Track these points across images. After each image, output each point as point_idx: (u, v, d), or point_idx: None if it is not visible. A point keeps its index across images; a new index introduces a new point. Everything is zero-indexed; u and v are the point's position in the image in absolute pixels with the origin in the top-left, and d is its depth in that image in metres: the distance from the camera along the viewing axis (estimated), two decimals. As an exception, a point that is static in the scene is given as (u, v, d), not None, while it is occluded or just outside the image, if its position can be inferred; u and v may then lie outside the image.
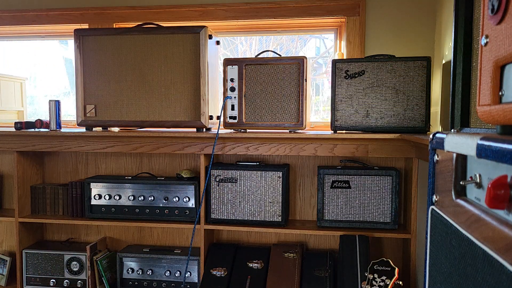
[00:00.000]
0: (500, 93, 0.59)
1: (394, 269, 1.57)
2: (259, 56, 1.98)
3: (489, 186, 0.50)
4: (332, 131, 1.88)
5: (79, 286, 2.17)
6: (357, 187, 1.91)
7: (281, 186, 1.95)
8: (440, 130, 1.42)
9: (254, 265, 2.02)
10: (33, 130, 2.10)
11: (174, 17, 2.25)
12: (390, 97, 1.80)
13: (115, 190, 2.10)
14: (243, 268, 2.02)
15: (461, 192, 0.69)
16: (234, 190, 1.99)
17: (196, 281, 2.07)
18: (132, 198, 2.08)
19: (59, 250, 2.20)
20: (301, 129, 1.88)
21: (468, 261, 0.61)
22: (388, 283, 1.54)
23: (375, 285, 1.55)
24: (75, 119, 2.07)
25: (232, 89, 1.91)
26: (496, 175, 0.54)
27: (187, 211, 2.05)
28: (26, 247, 2.24)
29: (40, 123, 2.13)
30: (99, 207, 2.11)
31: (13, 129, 2.08)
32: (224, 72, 1.92)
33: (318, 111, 2.52)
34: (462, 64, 0.99)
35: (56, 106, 2.09)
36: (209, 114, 1.96)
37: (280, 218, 1.96)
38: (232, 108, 1.92)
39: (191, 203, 2.04)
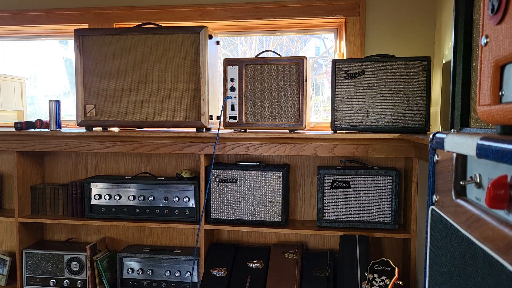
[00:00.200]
0: (500, 93, 0.59)
1: (394, 269, 1.57)
2: (259, 56, 1.98)
3: (489, 186, 0.50)
4: (332, 131, 1.88)
5: (79, 286, 2.17)
6: (357, 187, 1.91)
7: (281, 186, 1.95)
8: (440, 130, 1.42)
9: (254, 265, 2.02)
10: (33, 130, 2.10)
11: (174, 17, 2.25)
12: (390, 97, 1.80)
13: (115, 190, 2.10)
14: (243, 268, 2.02)
15: (461, 192, 0.69)
16: (234, 190, 1.99)
17: (196, 281, 2.07)
18: (132, 198, 2.08)
19: (59, 250, 2.20)
20: (301, 129, 1.88)
21: (468, 261, 0.61)
22: (388, 283, 1.54)
23: (375, 285, 1.55)
24: (75, 119, 2.07)
25: (232, 89, 1.91)
26: (496, 175, 0.54)
27: (187, 211, 2.05)
28: (26, 247, 2.24)
29: (40, 123, 2.13)
30: (99, 207, 2.11)
31: (13, 129, 2.08)
32: (224, 72, 1.92)
33: (318, 111, 2.52)
34: (462, 64, 0.99)
35: (56, 106, 2.09)
36: (209, 114, 1.96)
37: (280, 218, 1.96)
38: (232, 108, 1.92)
39: (191, 203, 2.04)
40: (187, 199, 2.04)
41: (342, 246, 1.87)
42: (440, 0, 1.96)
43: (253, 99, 1.91)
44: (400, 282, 1.60)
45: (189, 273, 2.08)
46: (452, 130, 1.00)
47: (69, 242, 2.37)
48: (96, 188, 2.11)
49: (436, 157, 0.81)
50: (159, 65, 1.96)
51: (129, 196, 2.08)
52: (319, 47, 2.91)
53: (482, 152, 0.55)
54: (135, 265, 2.13)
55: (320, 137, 1.87)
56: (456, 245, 0.66)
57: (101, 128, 2.05)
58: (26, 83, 2.61)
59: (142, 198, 2.07)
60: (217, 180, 2.00)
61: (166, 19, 2.26)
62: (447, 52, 1.80)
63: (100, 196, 2.11)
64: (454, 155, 0.70)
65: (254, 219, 1.98)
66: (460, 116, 1.00)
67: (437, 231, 0.78)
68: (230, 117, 1.93)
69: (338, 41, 2.28)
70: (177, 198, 2.05)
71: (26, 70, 2.80)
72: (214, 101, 2.06)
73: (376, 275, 1.57)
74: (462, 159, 0.69)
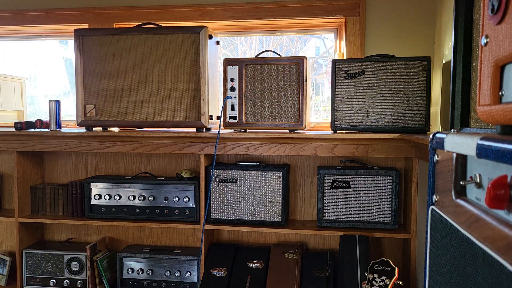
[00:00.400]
0: (500, 93, 0.59)
1: (394, 269, 1.57)
2: (259, 56, 1.98)
3: (489, 186, 0.50)
4: (332, 131, 1.88)
5: (79, 286, 2.17)
6: (357, 187, 1.91)
7: (281, 186, 1.95)
8: (440, 130, 1.42)
9: (254, 265, 2.02)
10: (33, 130, 2.10)
11: (174, 17, 2.25)
12: (390, 97, 1.80)
13: (115, 190, 2.10)
14: (243, 268, 2.02)
15: (461, 192, 0.69)
16: (234, 190, 1.99)
17: (196, 281, 2.07)
18: (132, 198, 2.08)
19: (59, 250, 2.20)
20: (301, 129, 1.88)
21: (468, 261, 0.61)
22: (388, 283, 1.54)
23: (375, 285, 1.55)
24: (75, 119, 2.07)
25: (232, 89, 1.91)
26: (496, 175, 0.54)
27: (187, 211, 2.05)
28: (26, 247, 2.24)
29: (40, 123, 2.13)
30: (99, 207, 2.11)
31: (13, 129, 2.08)
32: (224, 72, 1.92)
33: (318, 111, 2.52)
34: (462, 64, 0.99)
35: (56, 106, 2.09)
36: (209, 114, 1.96)
37: (280, 218, 1.96)
38: (232, 108, 1.92)
39: (191, 203, 2.04)
40: (187, 199, 2.04)
41: (342, 246, 1.87)
42: (440, 0, 1.96)
43: (253, 99, 1.91)
44: (400, 282, 1.60)
45: (189, 273, 2.08)
46: (452, 130, 1.00)
47: (69, 242, 2.37)
48: (96, 188, 2.11)
49: (436, 157, 0.81)
50: (159, 65, 1.96)
51: (129, 196, 2.08)
52: (319, 47, 2.91)
53: (482, 152, 0.55)
54: (135, 265, 2.13)
55: (320, 137, 1.87)
56: (456, 245, 0.66)
57: (101, 128, 2.05)
58: (26, 83, 2.61)
59: (142, 198, 2.07)
60: (217, 180, 2.00)
61: (166, 19, 2.26)
62: (447, 52, 1.80)
63: (100, 196, 2.11)
64: (454, 155, 0.70)
65: (254, 219, 1.98)
66: (460, 116, 1.00)
67: (437, 231, 0.78)
68: (230, 117, 1.93)
69: (338, 41, 2.28)
70: (177, 198, 2.05)
71: (26, 70, 2.80)
72: (214, 101, 2.06)
73: (376, 275, 1.57)
74: (462, 159, 0.69)
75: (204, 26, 1.92)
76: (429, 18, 2.05)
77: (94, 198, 2.11)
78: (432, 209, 0.81)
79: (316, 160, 2.16)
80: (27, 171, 2.25)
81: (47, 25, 2.40)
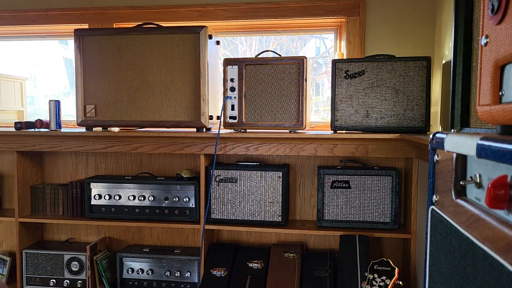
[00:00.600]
0: (500, 93, 0.59)
1: (394, 269, 1.57)
2: (259, 56, 1.98)
3: (489, 186, 0.50)
4: (332, 131, 1.88)
5: (79, 286, 2.17)
6: (357, 187, 1.91)
7: (281, 186, 1.95)
8: (440, 130, 1.42)
9: (254, 265, 2.02)
10: (33, 130, 2.10)
11: (174, 17, 2.25)
12: (390, 97, 1.80)
13: (115, 190, 2.10)
14: (243, 268, 2.02)
15: (461, 192, 0.69)
16: (234, 190, 1.99)
17: (196, 281, 2.07)
18: (132, 198, 2.08)
19: (59, 250, 2.20)
20: (301, 129, 1.88)
21: (468, 261, 0.61)
22: (388, 283, 1.54)
23: (375, 285, 1.55)
24: (75, 119, 2.07)
25: (232, 89, 1.91)
26: (496, 175, 0.54)
27: (187, 211, 2.05)
28: (26, 247, 2.24)
29: (40, 123, 2.13)
30: (99, 207, 2.11)
31: (13, 129, 2.08)
32: (224, 72, 1.92)
33: (318, 111, 2.52)
34: (462, 64, 0.99)
35: (56, 106, 2.09)
36: (209, 114, 1.96)
37: (280, 218, 1.96)
38: (232, 108, 1.92)
39: (191, 203, 2.04)
40: (187, 199, 2.04)
41: (342, 246, 1.87)
42: (440, 0, 1.96)
43: (253, 99, 1.91)
44: (400, 282, 1.60)
45: (189, 273, 2.08)
46: (452, 130, 1.00)
47: (69, 242, 2.37)
48: (96, 188, 2.11)
49: (436, 157, 0.81)
50: (159, 65, 1.96)
51: (129, 196, 2.08)
52: (319, 47, 2.91)
53: (482, 152, 0.55)
54: (135, 265, 2.13)
55: (320, 137, 1.87)
56: (456, 245, 0.66)
57: (101, 128, 2.05)
58: (26, 83, 2.61)
59: (142, 198, 2.07)
60: (217, 180, 2.00)
61: (166, 19, 2.26)
62: (447, 52, 1.80)
63: (100, 196, 2.11)
64: (454, 155, 0.70)
65: (254, 219, 1.98)
66: (460, 116, 1.00)
67: (437, 231, 0.78)
68: (230, 117, 1.93)
69: (338, 41, 2.28)
70: (177, 198, 2.05)
71: (26, 70, 2.80)
72: (214, 101, 2.06)
73: (376, 275, 1.57)
74: (462, 159, 0.69)
75: (204, 26, 1.92)
76: (429, 18, 2.05)
77: (94, 198, 2.11)
78: (432, 209, 0.81)
79: (316, 160, 2.16)
80: (27, 171, 2.25)
81: (47, 25, 2.40)
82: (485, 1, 0.61)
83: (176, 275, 2.09)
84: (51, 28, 2.47)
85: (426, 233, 0.84)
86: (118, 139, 2.03)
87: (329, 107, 1.87)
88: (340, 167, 1.98)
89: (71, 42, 2.78)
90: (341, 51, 2.22)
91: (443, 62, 1.85)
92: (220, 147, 1.95)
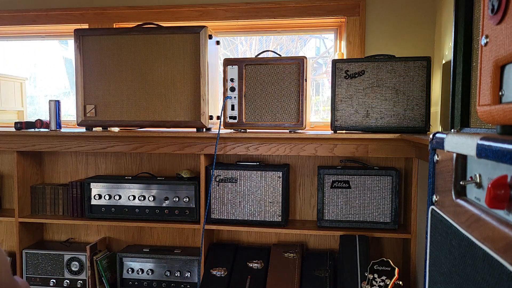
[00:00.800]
0: (500, 93, 0.59)
1: (394, 269, 1.57)
2: (259, 56, 1.98)
3: (489, 186, 0.50)
4: (332, 131, 1.88)
5: (79, 286, 2.17)
6: (357, 187, 1.91)
7: (281, 186, 1.95)
8: (440, 130, 1.42)
9: (254, 265, 2.02)
10: (33, 130, 2.10)
11: (174, 17, 2.25)
12: (390, 97, 1.80)
13: (115, 190, 2.10)
14: (243, 268, 2.02)
15: (461, 192, 0.69)
16: (234, 190, 1.99)
17: (196, 281, 2.07)
18: (132, 198, 2.08)
19: (59, 250, 2.20)
20: (301, 129, 1.88)
21: (468, 261, 0.61)
22: (388, 283, 1.54)
23: (375, 285, 1.55)
24: (75, 119, 2.07)
25: (232, 89, 1.91)
26: (496, 175, 0.54)
27: (187, 211, 2.05)
28: (26, 247, 2.24)
29: (40, 123, 2.13)
30: (99, 207, 2.11)
31: (13, 129, 2.08)
32: (224, 72, 1.92)
33: (318, 111, 2.52)
34: (462, 64, 0.99)
35: (56, 106, 2.09)
36: (209, 114, 1.96)
37: (280, 218, 1.96)
38: (232, 108, 1.92)
39: (191, 203, 2.04)
40: (187, 199, 2.04)
41: (342, 246, 1.87)
42: (440, 0, 1.96)
43: (253, 99, 1.91)
44: (400, 282, 1.60)
45: (189, 273, 2.08)
46: (452, 130, 1.00)
47: (69, 242, 2.37)
48: (96, 188, 2.11)
49: (436, 157, 0.81)
50: (159, 65, 1.96)
51: (129, 196, 2.08)
52: (319, 47, 2.91)
53: (482, 152, 0.55)
54: (135, 265, 2.13)
55: (320, 137, 1.87)
56: (456, 245, 0.66)
57: (101, 128, 2.05)
58: (26, 83, 2.61)
59: (142, 198, 2.07)
60: (217, 180, 2.00)
61: (166, 19, 2.26)
62: (447, 52, 1.80)
63: (100, 196, 2.11)
64: (454, 155, 0.70)
65: (254, 219, 1.98)
66: (460, 116, 1.00)
67: (437, 231, 0.78)
68: (230, 117, 1.93)
69: (338, 41, 2.28)
70: (177, 198, 2.05)
71: (26, 70, 2.80)
72: (214, 101, 2.06)
73: (376, 275, 1.57)
74: (462, 159, 0.69)
75: (204, 26, 1.92)
76: (429, 18, 2.05)
77: (94, 198, 2.11)
78: (432, 209, 0.81)
79: (316, 160, 2.16)
80: (27, 171, 2.25)
81: (47, 25, 2.40)
82: (485, 1, 0.61)
83: (176, 275, 2.09)
84: (51, 28, 2.47)
85: (426, 233, 0.84)
86: (118, 139, 2.03)
87: (329, 107, 1.87)
88: (340, 167, 1.98)
89: (71, 42, 2.78)
90: (341, 51, 2.22)
91: (443, 62, 1.85)
92: (220, 147, 1.95)
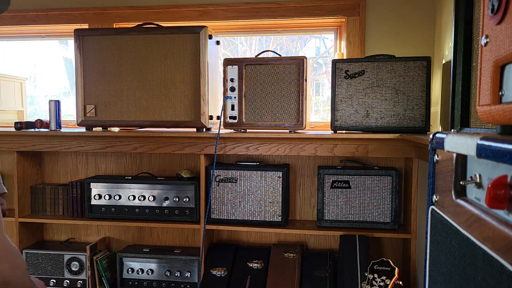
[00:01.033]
0: (500, 93, 0.59)
1: (394, 269, 1.57)
2: (259, 56, 1.98)
3: (489, 186, 0.50)
4: (332, 131, 1.88)
5: (79, 286, 2.17)
6: (357, 187, 1.91)
7: (281, 186, 1.95)
8: (440, 130, 1.42)
9: (254, 265, 2.02)
10: (33, 130, 2.10)
11: (174, 17, 2.25)
12: (390, 97, 1.80)
13: (115, 190, 2.10)
14: (243, 268, 2.02)
15: (461, 192, 0.69)
16: (234, 190, 1.99)
17: (196, 281, 2.07)
18: (132, 198, 2.08)
19: (59, 250, 2.20)
20: (301, 129, 1.88)
21: (468, 261, 0.61)
22: (388, 283, 1.54)
23: (375, 285, 1.55)
24: (75, 119, 2.07)
25: (232, 89, 1.91)
26: (496, 175, 0.54)
27: (187, 211, 2.05)
28: (26, 247, 2.24)
29: (40, 123, 2.13)
30: (99, 207, 2.11)
31: (13, 129, 2.08)
32: (224, 72, 1.92)
33: (318, 111, 2.52)
34: (462, 64, 0.99)
35: (56, 106, 2.09)
36: (209, 114, 1.96)
37: (280, 218, 1.96)
38: (232, 108, 1.92)
39: (191, 203, 2.04)
40: (187, 199, 2.03)
41: (342, 246, 1.87)
42: (440, 0, 1.96)
43: (253, 99, 1.91)
44: (400, 282, 1.60)
45: (189, 273, 2.08)
46: (452, 130, 1.00)
47: (69, 242, 2.37)
48: (96, 188, 2.11)
49: (436, 157, 0.81)
50: (159, 65, 1.96)
51: (129, 196, 2.08)
52: (319, 47, 2.91)
53: (482, 152, 0.55)
54: (135, 265, 2.13)
55: (320, 137, 1.87)
56: (456, 245, 0.66)
57: (101, 128, 2.05)
58: (26, 83, 2.61)
59: (142, 198, 2.07)
60: (217, 180, 2.00)
61: (166, 19, 2.26)
62: (447, 52, 1.80)
63: (100, 196, 2.11)
64: (454, 155, 0.70)
65: (254, 219, 1.98)
66: (460, 116, 1.00)
67: (437, 231, 0.78)
68: (230, 117, 1.93)
69: (338, 41, 2.28)
70: (177, 198, 2.05)
71: (26, 70, 2.80)
72: (214, 101, 2.06)
73: (376, 275, 1.57)
74: (462, 159, 0.69)
75: (204, 26, 1.92)
76: (429, 18, 2.05)
77: (94, 198, 2.11)
78: (432, 209, 0.81)
79: (316, 160, 2.16)
80: (27, 171, 2.25)
81: (47, 25, 2.40)
82: (485, 1, 0.61)
83: (176, 275, 2.09)
84: (51, 28, 2.47)
85: (426, 233, 0.84)
86: (118, 139, 2.03)
87: (329, 107, 1.87)
88: (340, 167, 1.98)
89: (71, 42, 2.78)
90: (341, 51, 2.22)
91: (443, 62, 1.85)
92: (220, 147, 1.95)
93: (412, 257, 1.89)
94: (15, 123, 2.08)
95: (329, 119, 1.92)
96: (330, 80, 1.90)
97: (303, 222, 2.12)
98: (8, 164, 2.43)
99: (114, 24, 2.32)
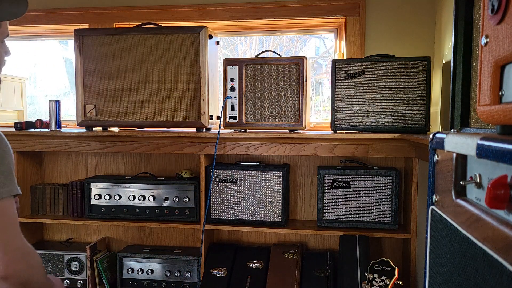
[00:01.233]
0: (500, 93, 0.59)
1: (394, 269, 1.57)
2: (259, 56, 1.98)
3: (489, 186, 0.50)
4: (332, 131, 1.88)
5: (79, 286, 2.17)
6: (357, 187, 1.91)
7: (281, 186, 1.95)
8: (440, 130, 1.42)
9: (254, 265, 2.02)
10: (33, 130, 2.10)
11: (174, 17, 2.25)
12: (390, 97, 1.80)
13: (115, 190, 2.10)
14: (243, 268, 2.02)
15: (461, 192, 0.69)
16: (234, 190, 1.99)
17: (196, 281, 2.07)
18: (132, 198, 2.08)
19: (59, 250, 2.20)
20: (301, 129, 1.88)
21: (468, 261, 0.61)
22: (388, 283, 1.54)
23: (375, 285, 1.55)
24: (75, 119, 2.07)
25: (232, 89, 1.91)
26: (496, 175, 0.54)
27: (187, 211, 2.05)
28: (26, 247, 2.24)
29: (40, 123, 2.13)
30: (99, 207, 2.11)
31: (13, 129, 2.08)
32: (224, 72, 1.92)
33: (318, 111, 2.52)
34: (462, 64, 0.99)
35: (56, 106, 2.09)
36: (209, 114, 1.96)
37: (280, 218, 1.96)
38: (232, 108, 1.92)
39: (191, 203, 2.04)
40: (187, 199, 2.03)
41: (342, 246, 1.87)
42: (440, 0, 1.96)
43: (253, 99, 1.91)
44: (400, 282, 1.60)
45: (189, 273, 2.08)
46: (452, 130, 1.00)
47: (69, 242, 2.37)
48: (96, 188, 2.11)
49: (436, 157, 0.81)
50: (159, 65, 1.96)
51: (129, 196, 2.08)
52: (319, 47, 2.91)
53: (482, 152, 0.55)
54: (135, 265, 2.13)
55: (320, 137, 1.87)
56: (456, 245, 0.66)
57: (101, 128, 2.05)
58: (26, 83, 2.61)
59: (142, 198, 2.07)
60: (217, 180, 2.00)
61: (166, 19, 2.26)
62: (447, 52, 1.80)
63: (100, 196, 2.11)
64: (454, 155, 0.70)
65: (254, 219, 1.98)
66: (460, 116, 1.00)
67: (437, 231, 0.78)
68: (230, 117, 1.93)
69: (338, 41, 2.28)
70: (177, 198, 2.05)
71: (26, 70, 2.80)
72: (214, 101, 2.06)
73: (376, 275, 1.57)
74: (462, 159, 0.69)
75: (204, 26, 1.92)
76: (429, 18, 2.05)
77: (94, 198, 2.11)
78: (432, 209, 0.81)
79: (316, 160, 2.16)
80: (27, 171, 2.25)
81: (47, 25, 2.40)
82: (485, 1, 0.61)
83: (176, 275, 2.09)
84: (51, 28, 2.47)
85: (426, 233, 0.84)
86: (118, 139, 2.03)
87: (329, 107, 1.87)
88: (340, 167, 1.98)
89: (71, 42, 2.78)
90: (341, 51, 2.22)
91: (443, 62, 1.85)
92: (220, 147, 1.95)
93: (412, 257, 1.89)
94: (15, 123, 2.08)
95: (329, 119, 1.92)
96: (330, 80, 1.90)
97: (303, 222, 2.12)
98: (8, 164, 2.43)
99: (114, 24, 2.32)
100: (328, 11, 2.13)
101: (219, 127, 1.90)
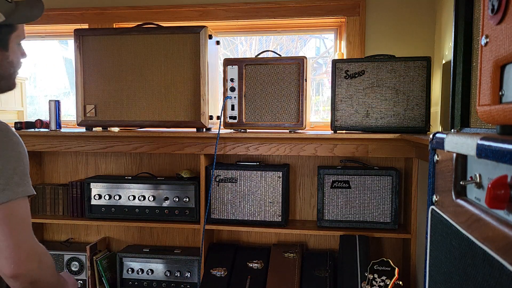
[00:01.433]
0: (500, 93, 0.59)
1: (394, 269, 1.57)
2: (259, 56, 1.98)
3: (489, 186, 0.50)
4: (332, 131, 1.88)
5: (79, 286, 2.17)
6: (357, 187, 1.91)
7: (281, 186, 1.95)
8: (440, 130, 1.42)
9: (254, 265, 2.02)
10: (33, 130, 2.10)
11: (174, 17, 2.25)
12: (390, 97, 1.80)
13: (115, 190, 2.10)
14: (243, 268, 2.02)
15: (461, 192, 0.69)
16: (234, 190, 1.99)
17: (196, 281, 2.07)
18: (132, 198, 2.08)
19: (59, 250, 2.20)
20: (301, 129, 1.88)
21: (468, 261, 0.61)
22: (388, 283, 1.54)
23: (375, 285, 1.55)
24: (75, 119, 2.07)
25: (232, 89, 1.91)
26: (496, 175, 0.54)
27: (187, 211, 2.05)
28: (26, 247, 2.24)
29: (40, 123, 2.13)
30: (99, 207, 2.11)
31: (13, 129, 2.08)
32: (224, 72, 1.92)
33: (318, 111, 2.52)
34: (462, 64, 0.99)
35: (56, 106, 2.09)
36: (209, 114, 1.96)
37: (280, 218, 1.96)
38: (232, 108, 1.92)
39: (191, 203, 2.04)
40: (187, 199, 2.03)
41: (342, 246, 1.87)
42: (440, 0, 1.96)
43: (253, 99, 1.91)
44: (400, 282, 1.60)
45: (189, 273, 2.08)
46: (452, 130, 1.00)
47: (69, 242, 2.37)
48: (96, 188, 2.11)
49: (436, 157, 0.81)
50: (159, 65, 1.96)
51: (129, 196, 2.08)
52: (319, 47, 2.91)
53: (482, 152, 0.55)
54: (135, 265, 2.13)
55: (320, 137, 1.87)
56: (456, 245, 0.66)
57: (101, 128, 2.05)
58: (26, 83, 2.61)
59: (142, 198, 2.06)
60: (217, 180, 2.00)
61: (166, 19, 2.26)
62: (447, 52, 1.80)
63: (100, 196, 2.11)
64: (454, 155, 0.70)
65: (254, 219, 1.98)
66: (460, 116, 1.00)
67: (437, 231, 0.78)
68: (230, 117, 1.93)
69: (338, 41, 2.28)
70: (177, 198, 2.05)
71: (26, 70, 2.80)
72: (214, 101, 2.06)
73: (376, 275, 1.57)
74: (462, 159, 0.69)
75: (204, 26, 1.92)
76: (429, 18, 2.05)
77: (94, 198, 2.11)
78: (432, 209, 0.81)
79: (316, 160, 2.16)
80: (27, 171, 2.24)
81: (47, 25, 2.40)
82: (485, 1, 0.61)
83: (176, 275, 2.09)
84: (51, 28, 2.47)
85: (426, 233, 0.84)
86: (118, 139, 2.03)
87: (329, 107, 1.87)
88: (340, 167, 1.98)
89: (71, 42, 2.78)
90: (341, 51, 2.22)
91: (443, 62, 1.85)
92: (220, 147, 1.95)
93: (412, 257, 1.89)
94: (15, 123, 2.08)
95: (329, 119, 1.92)
96: (330, 80, 1.90)
97: (303, 222, 2.12)
98: (8, 164, 2.43)
99: (114, 24, 2.32)
100: (328, 11, 2.13)
101: (219, 127, 1.90)
